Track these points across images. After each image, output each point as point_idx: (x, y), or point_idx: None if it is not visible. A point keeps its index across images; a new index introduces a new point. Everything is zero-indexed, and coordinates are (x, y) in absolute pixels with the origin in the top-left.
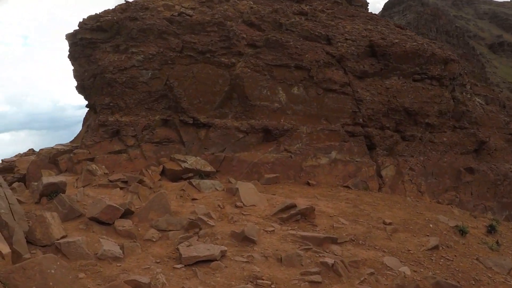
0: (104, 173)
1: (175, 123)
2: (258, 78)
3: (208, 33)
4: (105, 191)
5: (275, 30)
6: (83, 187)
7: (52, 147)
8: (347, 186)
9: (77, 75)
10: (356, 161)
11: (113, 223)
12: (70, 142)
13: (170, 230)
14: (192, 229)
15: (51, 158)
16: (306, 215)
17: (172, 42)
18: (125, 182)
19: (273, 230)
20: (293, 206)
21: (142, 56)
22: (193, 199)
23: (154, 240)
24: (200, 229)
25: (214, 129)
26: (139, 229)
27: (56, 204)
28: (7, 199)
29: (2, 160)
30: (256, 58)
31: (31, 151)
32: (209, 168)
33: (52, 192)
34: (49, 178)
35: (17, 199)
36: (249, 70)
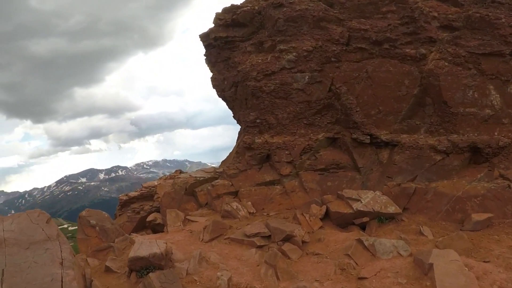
0: (250, 212)
1: (345, 142)
2: (459, 74)
3: (383, 15)
4: (234, 252)
5: (478, 3)
6: (211, 240)
7: (190, 175)
8: None
9: (216, 84)
10: None
11: None
12: (223, 161)
13: None
14: None
15: (187, 189)
16: None
17: (334, 32)
18: (267, 237)
19: None
20: None
21: (294, 54)
22: (360, 277)
23: None
24: None
25: (400, 149)
26: None
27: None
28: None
29: (142, 185)
30: (455, 45)
31: (179, 172)
32: (392, 209)
33: (143, 268)
34: (142, 247)
35: (108, 266)
36: (446, 64)
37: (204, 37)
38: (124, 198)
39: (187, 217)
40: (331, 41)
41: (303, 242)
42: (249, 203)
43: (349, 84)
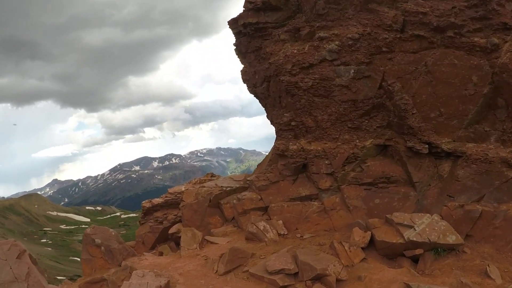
0: (280, 234)
1: (398, 151)
2: None
3: None
4: None
5: None
6: (226, 273)
7: (216, 183)
8: None
9: (246, 78)
10: None
11: None
12: (259, 164)
13: None
14: None
15: (212, 200)
16: None
17: (385, 16)
18: (293, 275)
19: None
20: None
21: (336, 43)
22: None
23: None
24: None
25: (465, 162)
26: None
27: None
28: None
29: (168, 190)
30: None
31: (210, 175)
32: (452, 238)
33: None
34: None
35: None
36: None
37: (233, 24)
38: (147, 205)
39: (206, 237)
40: (382, 27)
41: (339, 280)
42: (280, 222)
43: (404, 80)
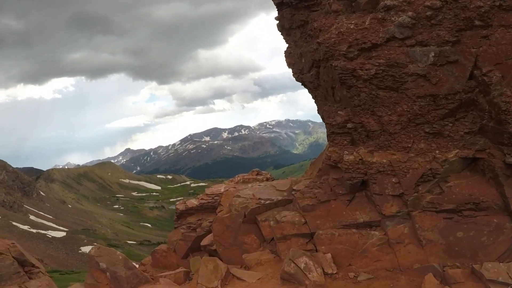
0: (327, 273)
1: (493, 167)
2: None
3: None
4: None
5: None
6: None
7: (254, 194)
8: None
9: (291, 61)
10: None
11: None
12: (309, 169)
13: None
14: None
15: (247, 215)
16: None
17: None
18: None
19: None
20: None
21: (410, 14)
22: None
23: None
24: None
25: None
26: None
27: None
28: None
29: (205, 190)
30: None
31: (255, 173)
32: None
33: None
34: None
35: None
36: None
37: None
38: (181, 207)
39: (232, 270)
40: None
41: None
42: (329, 255)
43: (505, 67)
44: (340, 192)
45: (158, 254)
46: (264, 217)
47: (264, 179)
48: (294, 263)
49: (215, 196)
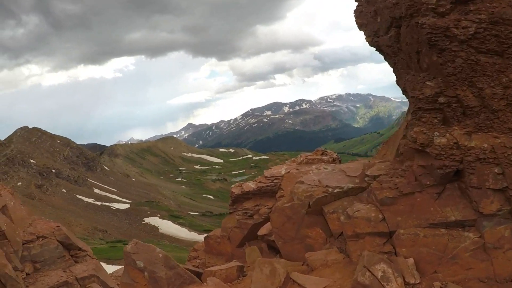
0: (409, 283)
1: None
2: None
3: None
4: None
5: None
6: None
7: (319, 180)
8: None
9: (363, 22)
10: None
11: None
12: (385, 144)
13: None
14: None
15: (312, 205)
16: None
17: None
18: None
19: None
20: None
21: None
22: None
23: None
24: None
25: None
26: None
27: None
28: None
29: (264, 172)
30: None
31: (320, 153)
32: None
33: None
34: None
35: None
36: None
37: None
38: (236, 191)
39: (293, 276)
40: None
41: None
42: (411, 260)
43: None
44: (428, 183)
45: (211, 240)
46: (332, 208)
47: (330, 159)
48: (369, 271)
49: (275, 179)
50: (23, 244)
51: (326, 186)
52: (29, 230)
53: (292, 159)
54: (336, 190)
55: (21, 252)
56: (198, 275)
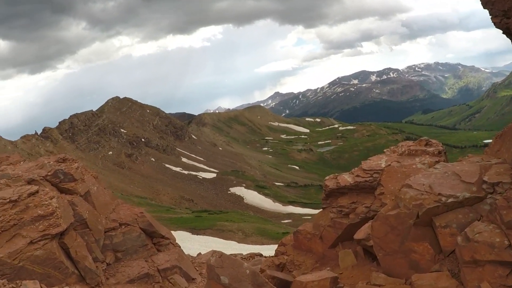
0: None
1: None
2: None
3: None
4: None
5: None
6: None
7: (430, 185)
8: None
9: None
10: None
11: None
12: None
13: None
14: None
15: (421, 216)
16: None
17: None
18: None
19: None
20: None
21: None
22: None
23: None
24: None
25: None
26: None
27: None
28: None
29: (362, 164)
30: None
31: (424, 143)
32: None
33: None
34: None
35: None
36: None
37: None
38: (331, 184)
39: None
40: None
41: None
42: None
43: None
44: None
45: (301, 236)
46: (445, 221)
47: (436, 152)
48: None
49: (374, 173)
50: (105, 232)
51: (439, 194)
52: (112, 217)
53: (392, 148)
54: (450, 200)
55: (103, 241)
56: (287, 284)
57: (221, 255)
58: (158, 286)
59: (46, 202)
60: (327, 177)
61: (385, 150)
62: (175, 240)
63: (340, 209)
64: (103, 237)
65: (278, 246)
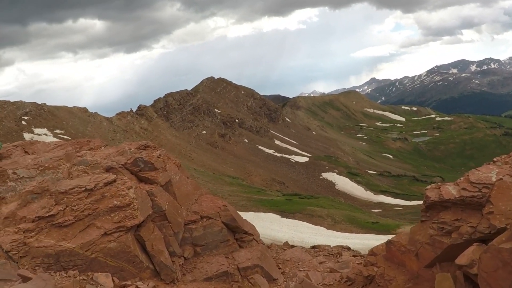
0: None
1: None
2: None
3: None
4: None
5: None
6: None
7: None
8: None
9: None
10: None
11: None
12: None
13: None
14: None
15: None
16: None
17: None
18: None
19: None
20: None
21: None
22: None
23: None
24: None
25: None
26: None
27: None
28: None
29: (469, 176)
30: None
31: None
32: None
33: None
34: None
35: None
36: None
37: None
38: (432, 196)
39: None
40: None
41: None
42: None
43: None
44: None
45: (394, 247)
46: None
47: None
48: None
49: (483, 187)
50: (185, 224)
51: None
52: (193, 209)
53: (503, 157)
54: None
55: (182, 234)
56: None
57: (302, 280)
58: (237, 286)
59: (123, 193)
60: (428, 187)
61: (495, 159)
62: (259, 237)
63: (442, 225)
64: (182, 230)
65: (368, 255)
